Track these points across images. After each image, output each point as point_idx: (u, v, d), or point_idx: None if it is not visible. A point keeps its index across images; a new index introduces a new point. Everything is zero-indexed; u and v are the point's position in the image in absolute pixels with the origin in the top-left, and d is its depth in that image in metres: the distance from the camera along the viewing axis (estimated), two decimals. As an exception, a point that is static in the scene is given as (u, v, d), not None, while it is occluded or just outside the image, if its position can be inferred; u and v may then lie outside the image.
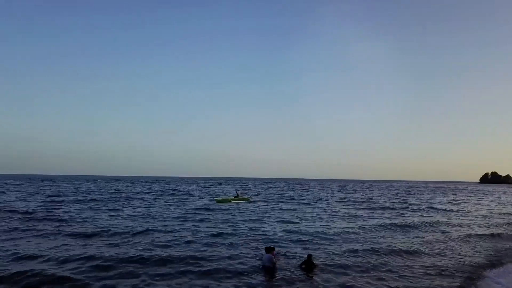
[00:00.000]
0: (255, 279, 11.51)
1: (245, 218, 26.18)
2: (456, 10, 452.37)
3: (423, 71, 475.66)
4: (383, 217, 28.57)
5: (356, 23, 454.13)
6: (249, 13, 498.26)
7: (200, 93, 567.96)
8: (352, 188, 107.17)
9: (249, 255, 14.32)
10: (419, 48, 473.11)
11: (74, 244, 15.87)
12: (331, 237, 18.79)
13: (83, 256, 13.41)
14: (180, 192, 62.07)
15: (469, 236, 20.30)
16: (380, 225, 23.11)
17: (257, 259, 13.49)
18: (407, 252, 15.61)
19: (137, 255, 13.58)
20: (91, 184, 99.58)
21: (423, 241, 18.46)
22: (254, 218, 26.30)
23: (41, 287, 10.25)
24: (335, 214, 30.38)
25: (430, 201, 49.22)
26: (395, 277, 12.03)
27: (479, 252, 16.61)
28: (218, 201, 41.44)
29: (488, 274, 12.26)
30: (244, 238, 17.78)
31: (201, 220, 24.52)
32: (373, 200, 49.32)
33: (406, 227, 22.79)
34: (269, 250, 13.08)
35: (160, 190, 67.59)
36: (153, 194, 54.64)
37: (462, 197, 62.52)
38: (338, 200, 48.28)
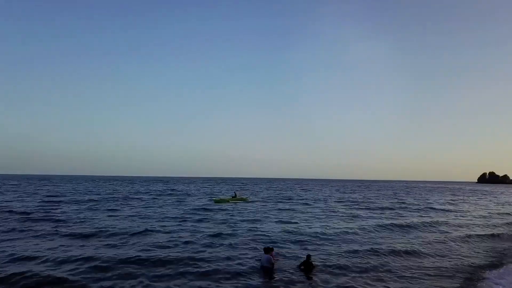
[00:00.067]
0: (253, 280, 11.45)
1: (244, 218, 26.12)
2: (455, 10, 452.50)
3: (422, 71, 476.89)
4: (382, 217, 28.53)
5: (356, 23, 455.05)
6: (249, 13, 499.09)
7: (200, 93, 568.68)
8: (350, 188, 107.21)
9: (247, 256, 14.26)
10: (419, 48, 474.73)
11: (72, 245, 15.77)
12: (330, 237, 18.74)
13: (81, 257, 13.32)
14: (179, 192, 61.95)
15: (469, 236, 20.27)
16: (379, 226, 23.07)
17: (256, 260, 13.43)
18: (407, 252, 15.58)
19: (135, 256, 13.50)
20: (89, 184, 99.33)
21: (423, 241, 18.42)
22: (253, 218, 26.23)
23: (38, 288, 10.17)
24: (333, 214, 30.34)
25: (429, 201, 49.23)
26: (395, 278, 11.98)
27: (479, 252, 16.58)
28: (216, 201, 41.35)
29: (488, 275, 12.22)
30: (243, 239, 17.71)
31: (199, 221, 24.44)
32: (372, 200, 49.31)
33: (405, 228, 22.75)
34: (267, 250, 13.03)
35: (158, 190, 67.44)
36: (151, 194, 54.51)
37: (461, 197, 62.58)
38: (337, 200, 48.25)
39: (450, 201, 50.89)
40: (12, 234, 18.31)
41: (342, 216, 28.95)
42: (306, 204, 41.36)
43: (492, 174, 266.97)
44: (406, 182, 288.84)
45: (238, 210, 32.63)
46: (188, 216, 26.98)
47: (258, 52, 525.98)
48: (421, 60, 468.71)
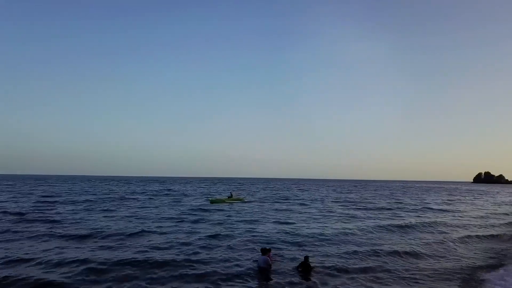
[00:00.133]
0: (251, 282, 11.34)
1: (241, 219, 25.97)
2: (455, 9, 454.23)
3: (420, 71, 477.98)
4: (380, 217, 28.48)
5: (356, 23, 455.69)
6: (249, 13, 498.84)
7: (200, 93, 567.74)
8: (347, 188, 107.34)
9: (245, 257, 14.12)
10: (419, 48, 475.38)
11: (67, 247, 15.57)
12: (328, 238, 18.63)
13: (77, 259, 13.11)
14: (175, 193, 61.72)
15: (467, 237, 20.20)
16: (377, 226, 22.98)
17: (253, 261, 13.30)
18: (406, 253, 15.47)
19: (132, 258, 13.32)
20: (85, 184, 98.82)
21: (422, 242, 18.33)
22: (250, 219, 26.09)
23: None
24: (331, 214, 30.25)
25: (426, 201, 49.28)
26: (394, 280, 11.89)
27: (478, 253, 16.51)
28: (212, 201, 41.17)
29: (488, 276, 12.14)
30: (240, 240, 17.57)
31: (196, 221, 24.27)
32: (369, 200, 49.31)
33: (403, 228, 22.66)
34: (265, 251, 12.93)
35: (155, 190, 67.18)
36: (148, 195, 54.27)
37: (457, 197, 62.72)
38: (334, 200, 48.21)
39: (447, 201, 50.97)
40: (6, 235, 18.04)
41: (340, 216, 28.87)
42: (303, 204, 41.27)
43: (487, 174, 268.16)
44: (403, 182, 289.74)
45: (235, 210, 32.48)
46: (184, 216, 26.79)
47: (258, 52, 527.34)
48: (420, 60, 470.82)
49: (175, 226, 21.95)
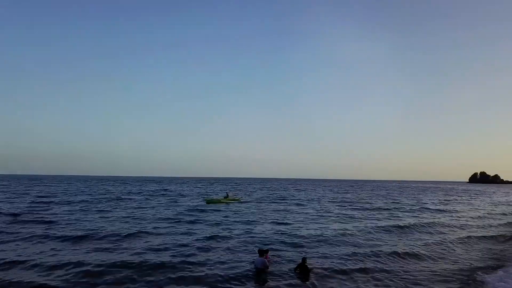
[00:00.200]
0: (248, 284, 11.23)
1: (238, 219, 25.84)
2: (455, 9, 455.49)
3: (419, 71, 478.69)
4: (377, 218, 28.43)
5: (356, 23, 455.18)
6: (249, 13, 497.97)
7: (200, 93, 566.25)
8: (344, 188, 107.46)
9: (242, 259, 13.99)
10: (419, 48, 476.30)
11: (63, 248, 15.38)
12: (326, 239, 18.53)
13: (72, 261, 12.93)
14: (172, 193, 61.48)
15: (466, 238, 20.14)
16: (375, 227, 22.92)
17: (251, 263, 13.16)
18: (404, 254, 15.39)
19: (128, 260, 13.16)
20: (81, 184, 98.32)
21: (420, 243, 18.26)
22: (247, 219, 25.96)
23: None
24: (328, 215, 30.17)
25: (423, 202, 49.33)
26: (393, 281, 11.80)
27: (476, 254, 16.46)
28: (208, 202, 41.02)
29: (488, 278, 12.06)
30: (237, 241, 17.45)
31: (193, 222, 24.11)
32: (366, 201, 49.31)
33: (401, 229, 22.60)
34: (262, 253, 12.83)
35: (151, 191, 66.91)
36: (144, 195, 54.02)
37: (454, 197, 62.86)
38: (331, 201, 48.16)
39: (443, 201, 51.06)
40: (0, 237, 17.81)
41: (337, 217, 28.80)
42: (300, 204, 41.19)
43: (483, 174, 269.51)
44: (399, 182, 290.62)
45: (232, 211, 32.35)
46: (181, 217, 26.63)
47: (258, 52, 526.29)
48: (420, 60, 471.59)
49: (172, 227, 21.79)
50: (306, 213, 31.66)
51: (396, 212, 33.37)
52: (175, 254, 14.56)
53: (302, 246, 16.72)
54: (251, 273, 12.12)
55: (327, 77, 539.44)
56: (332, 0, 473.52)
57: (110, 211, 30.25)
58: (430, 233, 21.96)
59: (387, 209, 36.80)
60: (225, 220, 25.48)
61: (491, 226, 25.88)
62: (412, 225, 23.90)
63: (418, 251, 16.13)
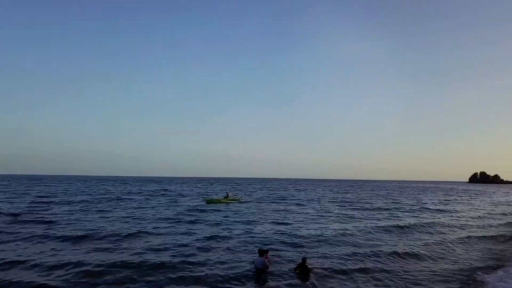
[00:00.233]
0: (248, 284, 11.24)
1: (238, 219, 25.83)
2: (455, 9, 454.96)
3: (418, 72, 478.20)
4: (377, 218, 28.42)
5: (356, 23, 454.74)
6: (249, 13, 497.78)
7: (200, 93, 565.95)
8: (344, 188, 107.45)
9: (242, 259, 13.98)
10: (419, 48, 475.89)
11: (63, 248, 15.38)
12: (326, 239, 18.52)
13: (72, 261, 12.92)
14: (172, 193, 61.47)
15: (466, 238, 20.13)
16: (375, 227, 22.90)
17: (251, 263, 13.15)
18: (405, 254, 15.37)
19: (128, 260, 13.16)
20: (81, 184, 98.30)
21: (420, 243, 18.25)
22: (247, 219, 25.95)
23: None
24: (328, 215, 30.16)
25: (423, 202, 49.31)
26: (393, 281, 11.79)
27: (477, 254, 16.46)
28: (208, 202, 41.02)
29: (487, 278, 12.06)
30: (237, 241, 17.44)
31: (193, 222, 24.10)
32: (366, 201, 49.30)
33: (401, 229, 22.58)
34: (262, 253, 12.82)
35: (151, 191, 66.91)
36: (144, 195, 54.01)
37: (454, 197, 62.84)
38: (331, 201, 48.15)
39: (443, 201, 51.04)
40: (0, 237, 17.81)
41: (337, 217, 28.80)
42: (300, 204, 41.18)
43: (483, 174, 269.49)
44: (399, 182, 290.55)
45: (232, 211, 32.34)
46: (181, 217, 26.62)
47: (258, 52, 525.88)
48: (419, 60, 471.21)
49: (172, 227, 21.78)
50: (306, 213, 31.65)
51: (396, 212, 33.36)
52: (175, 254, 14.56)
53: (302, 246, 16.71)
54: (251, 273, 12.11)
55: (327, 77, 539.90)
56: (332, 0, 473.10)
57: (110, 211, 30.25)
58: (430, 233, 21.95)
59: (387, 209, 36.78)
60: (225, 220, 25.47)
61: (491, 226, 25.86)
62: (412, 225, 23.88)
63: (418, 251, 16.12)
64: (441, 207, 40.84)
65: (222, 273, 11.97)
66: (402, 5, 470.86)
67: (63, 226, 21.36)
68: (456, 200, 55.65)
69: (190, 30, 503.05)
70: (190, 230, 20.42)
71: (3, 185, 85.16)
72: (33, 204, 34.84)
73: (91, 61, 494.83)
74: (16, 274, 11.46)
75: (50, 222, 22.77)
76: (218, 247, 15.99)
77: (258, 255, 12.85)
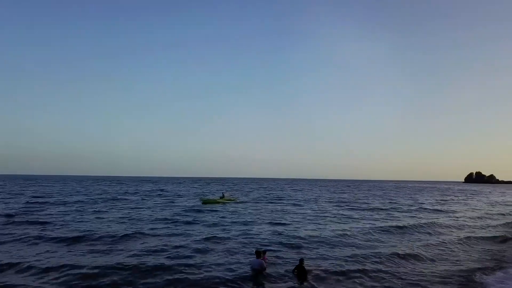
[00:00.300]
0: (244, 286, 11.11)
1: (235, 220, 25.66)
2: (455, 9, 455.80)
3: (420, 71, 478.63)
4: (375, 218, 28.36)
5: (356, 23, 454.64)
6: (249, 13, 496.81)
7: (200, 93, 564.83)
8: (340, 188, 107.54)
9: (239, 261, 13.83)
10: (419, 48, 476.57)
11: (58, 250, 15.17)
12: (323, 240, 18.40)
13: (67, 263, 12.72)
14: (168, 193, 61.22)
15: (465, 238, 20.06)
16: (373, 227, 22.80)
17: (248, 264, 13.00)
18: (404, 255, 15.25)
19: (124, 262, 12.97)
20: (76, 184, 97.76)
21: (419, 244, 18.17)
22: (244, 220, 25.80)
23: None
24: (325, 215, 30.06)
25: (420, 202, 49.37)
26: (392, 282, 11.68)
27: (476, 255, 16.41)
28: (204, 202, 40.86)
29: (487, 279, 12.00)
30: (234, 242, 17.29)
31: (190, 223, 23.92)
32: (363, 201, 49.29)
33: (400, 229, 22.48)
34: (259, 254, 12.67)
35: (147, 191, 66.62)
36: (141, 195, 53.74)
37: (451, 197, 62.99)
38: (327, 201, 48.10)
39: (441, 201, 51.13)
40: (-7, 238, 17.55)
41: (334, 217, 28.70)
42: (298, 205, 41.07)
43: (478, 174, 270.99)
44: (395, 182, 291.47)
45: (229, 211, 32.18)
46: (178, 217, 26.43)
47: (258, 52, 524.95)
48: (419, 60, 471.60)
49: (169, 228, 21.58)
50: (304, 213, 31.54)
51: (393, 213, 33.32)
52: (172, 256, 14.37)
53: (299, 247, 16.58)
54: (248, 275, 11.96)
55: (327, 77, 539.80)
56: (332, 0, 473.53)
57: (106, 211, 30.00)
58: (429, 233, 21.88)
59: (385, 209, 36.74)
60: (222, 220, 25.30)
61: (489, 226, 25.84)
62: (411, 226, 23.80)
63: (417, 252, 16.01)
64: (439, 207, 40.84)
65: (219, 275, 11.82)
66: (402, 5, 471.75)
67: (58, 227, 21.11)
68: (453, 200, 55.76)
69: (190, 30, 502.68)
70: (187, 231, 20.24)
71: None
72: (28, 205, 34.52)
73: (91, 61, 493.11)
74: (9, 277, 11.25)
75: (45, 223, 22.50)
76: (215, 249, 15.83)
77: (255, 256, 12.70)
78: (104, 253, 14.68)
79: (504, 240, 20.38)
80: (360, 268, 13.16)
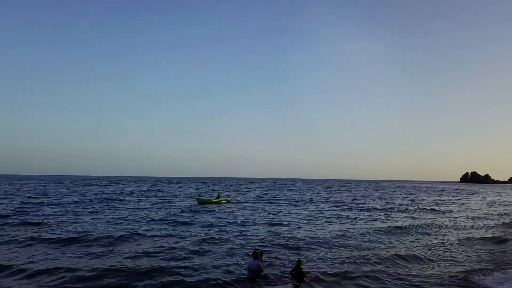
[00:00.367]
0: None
1: (232, 221, 25.47)
2: (455, 9, 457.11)
3: (420, 71, 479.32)
4: (373, 218, 28.30)
5: (356, 23, 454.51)
6: (249, 13, 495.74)
7: (199, 93, 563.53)
8: (337, 188, 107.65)
9: (236, 262, 13.67)
10: (419, 48, 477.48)
11: (52, 252, 14.94)
12: (321, 240, 18.28)
13: (62, 266, 12.52)
14: (165, 193, 60.95)
15: (464, 239, 19.97)
16: (371, 228, 22.69)
17: (245, 266, 12.85)
18: (402, 256, 15.13)
19: (120, 265, 12.79)
20: (72, 184, 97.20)
21: (418, 244, 18.09)
22: (241, 221, 25.63)
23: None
24: (323, 215, 29.98)
25: (417, 202, 49.43)
26: (391, 284, 11.57)
27: (476, 256, 16.35)
28: (200, 202, 40.69)
29: (486, 280, 11.93)
30: (232, 244, 17.12)
31: (186, 224, 23.73)
32: (360, 201, 49.28)
33: (397, 230, 22.36)
34: (256, 255, 12.53)
35: (143, 191, 66.30)
36: (137, 195, 53.45)
37: (447, 197, 63.14)
38: (325, 201, 48.04)
39: (438, 201, 51.23)
40: (-13, 240, 17.28)
41: (332, 217, 28.61)
42: (294, 205, 40.98)
43: (474, 174, 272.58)
44: (392, 182, 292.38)
45: (226, 212, 32.01)
46: (174, 218, 26.24)
47: (258, 52, 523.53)
48: (419, 60, 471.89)
49: (165, 229, 21.38)
50: (301, 214, 31.43)
51: (391, 213, 33.26)
52: (168, 257, 14.18)
53: (297, 248, 16.46)
54: (245, 277, 11.82)
55: (327, 77, 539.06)
56: (332, 0, 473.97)
57: (102, 212, 29.73)
58: (427, 234, 21.81)
59: (382, 209, 36.72)
60: (219, 221, 25.11)
61: (488, 227, 25.83)
62: (409, 226, 23.71)
63: (415, 253, 15.92)
64: (436, 207, 40.87)
65: (216, 277, 11.65)
66: (402, 5, 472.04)
67: (53, 228, 20.86)
68: (450, 200, 55.86)
69: (190, 30, 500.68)
70: (184, 232, 20.07)
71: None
72: (22, 205, 34.18)
73: (91, 61, 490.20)
74: (2, 280, 11.04)
75: (40, 224, 22.23)
76: (212, 250, 15.66)
77: (252, 257, 12.55)
78: (100, 255, 14.48)
79: (502, 240, 20.32)
80: (358, 269, 13.05)
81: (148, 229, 20.76)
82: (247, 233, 20.09)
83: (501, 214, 34.82)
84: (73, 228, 20.84)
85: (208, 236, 18.58)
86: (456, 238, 20.19)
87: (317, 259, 14.52)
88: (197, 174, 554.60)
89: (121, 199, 44.92)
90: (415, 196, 64.10)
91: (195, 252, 15.17)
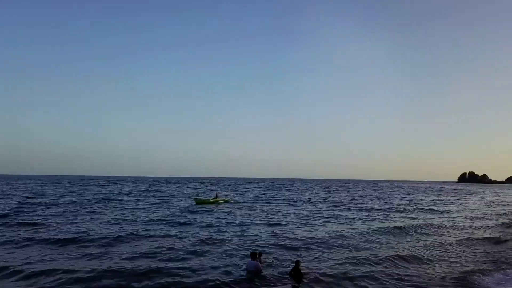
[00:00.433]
0: (241, 288, 10.88)
1: (230, 221, 25.40)
2: (455, 9, 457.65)
3: (420, 71, 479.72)
4: (371, 219, 28.27)
5: (356, 23, 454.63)
6: (249, 13, 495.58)
7: (199, 93, 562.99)
8: (335, 188, 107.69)
9: (235, 263, 13.59)
10: (419, 48, 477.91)
11: (49, 253, 14.83)
12: (320, 241, 18.22)
13: (59, 267, 12.41)
14: (163, 193, 60.84)
15: (463, 239, 19.94)
16: (370, 228, 22.64)
17: (243, 266, 12.79)
18: (401, 257, 15.08)
19: (117, 265, 12.71)
20: (70, 184, 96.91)
21: (417, 245, 18.02)
22: (239, 221, 25.55)
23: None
24: (321, 216, 29.94)
25: (415, 202, 49.45)
26: (390, 284, 11.52)
27: (475, 256, 16.33)
28: (198, 202, 40.63)
29: (486, 280, 11.90)
30: (230, 244, 17.04)
31: (185, 224, 23.64)
32: (359, 201, 49.27)
33: (396, 230, 22.30)
34: (254, 256, 12.47)
35: (141, 191, 66.16)
36: (135, 195, 53.32)
37: (446, 197, 63.23)
38: (323, 201, 48.03)
39: (436, 201, 51.28)
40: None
41: (330, 217, 28.57)
42: (293, 205, 40.93)
43: (472, 174, 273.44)
44: (390, 182, 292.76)
45: (224, 212, 31.93)
46: (172, 218, 26.15)
47: (258, 52, 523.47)
48: (419, 60, 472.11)
49: (163, 229, 21.30)
50: (299, 214, 31.38)
51: (389, 213, 33.25)
52: (166, 258, 14.10)
53: (295, 249, 16.40)
54: (244, 277, 11.76)
55: (327, 77, 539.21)
56: (332, 0, 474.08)
57: (99, 212, 29.62)
58: (426, 234, 21.79)
59: (381, 209, 36.70)
60: (217, 221, 25.04)
61: (487, 227, 25.84)
62: (408, 226, 23.67)
63: (414, 253, 15.87)
64: (435, 207, 40.89)
65: (215, 278, 11.58)
66: (402, 5, 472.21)
67: (51, 228, 20.75)
68: (448, 200, 55.94)
69: (190, 30, 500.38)
70: (182, 233, 19.99)
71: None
72: (19, 205, 34.02)
73: (91, 61, 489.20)
74: (-2, 281, 10.93)
75: (37, 224, 22.11)
76: (211, 250, 15.59)
77: (251, 258, 12.49)
78: (98, 256, 14.38)
79: (502, 241, 20.30)
80: (357, 269, 13.00)
81: (146, 230, 20.67)
82: (246, 234, 20.03)
83: (499, 214, 34.86)
84: (70, 228, 20.74)
85: (207, 237, 18.50)
86: (455, 238, 20.19)
87: (316, 259, 14.47)
88: (197, 174, 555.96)
89: (119, 199, 44.78)
90: (413, 196, 64.15)
91: (193, 253, 15.10)
